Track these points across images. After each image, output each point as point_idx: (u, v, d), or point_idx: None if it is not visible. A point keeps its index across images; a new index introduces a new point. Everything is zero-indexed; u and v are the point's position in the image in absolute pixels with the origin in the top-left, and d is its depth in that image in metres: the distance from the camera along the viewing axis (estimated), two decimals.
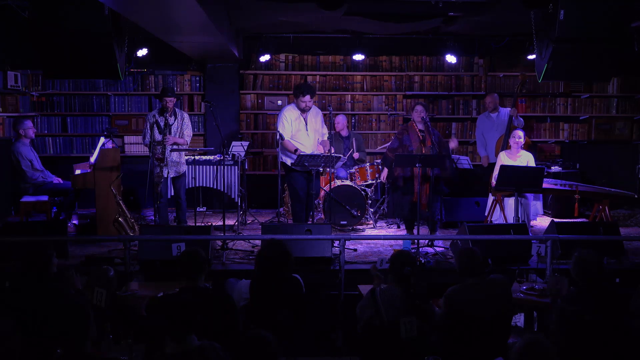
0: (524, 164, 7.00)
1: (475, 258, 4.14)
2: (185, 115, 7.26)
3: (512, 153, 7.13)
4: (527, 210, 7.04)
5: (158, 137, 6.93)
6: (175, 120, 7.06)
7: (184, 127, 7.13)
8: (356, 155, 8.25)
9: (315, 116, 7.02)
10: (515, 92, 8.28)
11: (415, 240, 6.49)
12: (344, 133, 8.34)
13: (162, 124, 6.95)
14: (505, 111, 8.35)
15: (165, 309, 3.61)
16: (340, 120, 8.31)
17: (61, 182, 7.71)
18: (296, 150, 6.86)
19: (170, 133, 6.95)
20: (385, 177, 7.13)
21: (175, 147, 7.05)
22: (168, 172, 7.04)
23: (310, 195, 7.01)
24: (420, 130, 6.79)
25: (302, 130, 6.96)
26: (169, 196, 7.24)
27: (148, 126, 6.96)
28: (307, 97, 6.83)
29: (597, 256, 3.96)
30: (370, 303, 3.98)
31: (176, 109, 7.16)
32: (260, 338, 2.83)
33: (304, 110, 6.92)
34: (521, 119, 8.21)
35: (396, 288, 3.98)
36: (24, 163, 7.50)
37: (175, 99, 7.11)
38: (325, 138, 7.06)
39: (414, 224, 6.84)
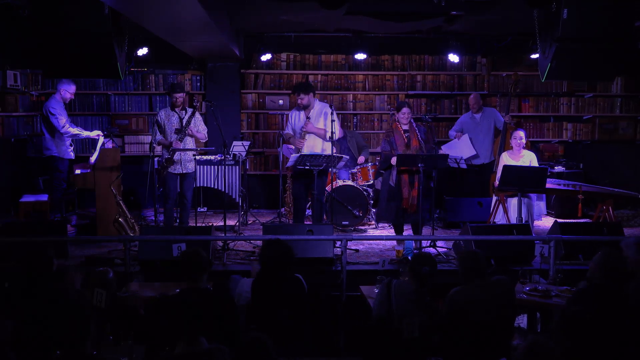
0: (527, 164, 6.96)
1: (478, 260, 4.11)
2: (196, 112, 7.22)
3: (515, 153, 7.08)
4: (530, 210, 7.00)
5: (172, 136, 6.93)
6: (186, 114, 7.04)
7: (197, 123, 7.09)
8: (361, 159, 8.18)
9: (320, 114, 6.94)
10: (509, 92, 8.26)
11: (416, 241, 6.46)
12: (339, 135, 8.29)
13: (174, 118, 6.95)
14: (490, 111, 8.36)
15: (173, 310, 3.59)
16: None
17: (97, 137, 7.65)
18: (290, 138, 6.96)
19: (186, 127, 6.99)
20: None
21: (188, 145, 7.02)
22: (180, 168, 7.02)
23: (312, 195, 6.96)
24: (404, 131, 6.67)
25: (301, 126, 6.98)
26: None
27: (156, 125, 6.94)
28: (300, 95, 6.89)
29: (623, 258, 3.94)
30: (384, 292, 4.00)
31: (185, 106, 7.13)
32: (258, 340, 2.81)
33: (300, 108, 6.97)
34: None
35: (411, 284, 3.99)
36: (54, 119, 7.41)
37: (184, 95, 7.08)
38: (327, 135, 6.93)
39: (403, 227, 6.79)
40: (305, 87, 7.00)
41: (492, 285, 4.07)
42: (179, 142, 6.92)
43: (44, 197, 7.38)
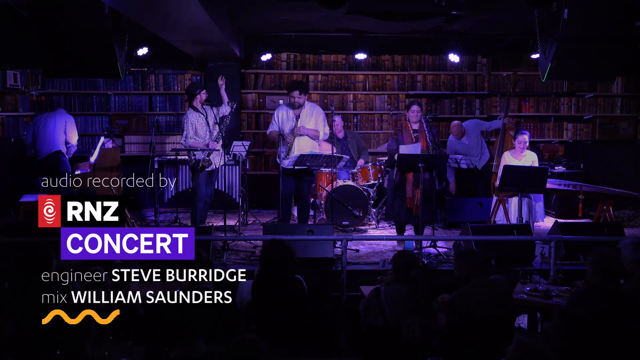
0: (529, 164, 6.97)
1: (477, 258, 4.13)
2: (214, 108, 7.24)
3: (517, 153, 7.09)
4: (531, 210, 6.99)
5: (204, 135, 6.96)
6: (208, 112, 7.05)
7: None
8: (361, 162, 8.15)
9: (311, 115, 6.93)
10: (507, 92, 8.26)
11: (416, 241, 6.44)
12: (340, 135, 8.28)
13: (201, 119, 6.97)
14: (471, 126, 8.28)
15: (173, 310, 3.58)
16: (338, 123, 8.25)
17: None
18: (280, 134, 6.89)
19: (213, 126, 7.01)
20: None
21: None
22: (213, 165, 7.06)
23: (301, 197, 7.01)
24: (414, 130, 6.66)
25: (288, 125, 6.93)
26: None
27: (190, 127, 6.94)
28: (295, 93, 6.84)
29: (616, 253, 4.00)
30: (374, 302, 3.96)
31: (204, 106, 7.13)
32: (247, 342, 2.80)
33: (293, 106, 6.91)
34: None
35: (401, 288, 3.96)
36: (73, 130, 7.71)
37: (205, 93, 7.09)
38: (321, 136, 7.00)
39: (405, 227, 6.78)
40: (304, 87, 6.99)
41: (491, 284, 4.06)
42: (215, 143, 6.93)
43: None
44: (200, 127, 6.99)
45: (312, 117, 6.92)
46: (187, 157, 7.21)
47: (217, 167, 7.14)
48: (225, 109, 7.19)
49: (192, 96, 7.04)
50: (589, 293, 3.91)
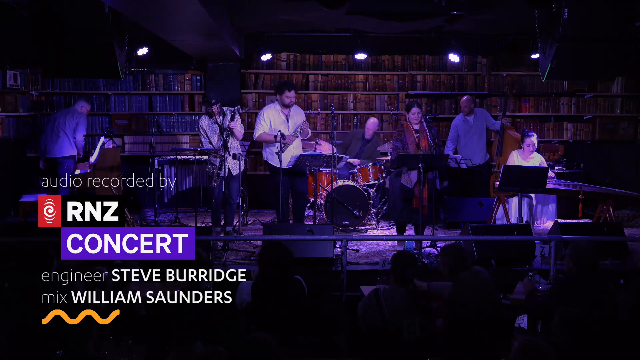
0: (537, 165, 7.00)
1: (462, 252, 4.32)
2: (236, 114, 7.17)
3: (525, 154, 7.10)
4: (534, 210, 7.00)
5: (216, 140, 6.96)
6: (224, 119, 6.99)
7: (237, 123, 7.04)
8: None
9: (298, 114, 7.01)
10: (505, 94, 8.25)
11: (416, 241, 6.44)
12: (368, 136, 8.38)
13: (216, 126, 6.96)
14: (481, 112, 8.33)
15: (173, 310, 3.59)
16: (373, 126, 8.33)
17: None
18: (276, 136, 6.80)
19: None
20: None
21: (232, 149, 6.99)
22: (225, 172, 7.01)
23: (298, 195, 7.03)
24: (415, 131, 6.67)
25: (282, 126, 6.91)
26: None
27: (203, 132, 6.99)
28: (292, 93, 6.88)
29: (593, 246, 4.20)
30: (373, 303, 3.97)
31: (222, 108, 7.10)
32: (260, 341, 2.81)
33: (286, 106, 6.93)
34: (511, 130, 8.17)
35: (400, 288, 3.96)
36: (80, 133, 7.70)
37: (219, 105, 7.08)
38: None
39: (406, 227, 6.79)
40: (295, 86, 7.02)
41: (476, 274, 4.04)
42: (221, 149, 6.91)
43: None
44: (211, 134, 7.02)
45: (300, 116, 6.99)
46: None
47: (233, 174, 7.08)
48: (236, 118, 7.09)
49: (210, 104, 7.05)
50: (568, 284, 4.06)
